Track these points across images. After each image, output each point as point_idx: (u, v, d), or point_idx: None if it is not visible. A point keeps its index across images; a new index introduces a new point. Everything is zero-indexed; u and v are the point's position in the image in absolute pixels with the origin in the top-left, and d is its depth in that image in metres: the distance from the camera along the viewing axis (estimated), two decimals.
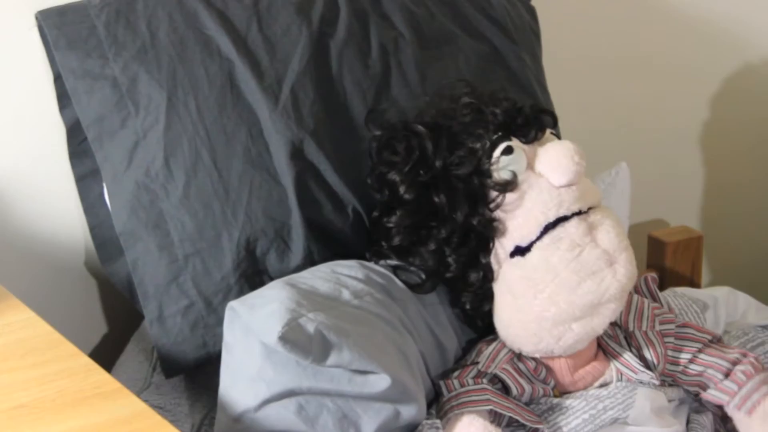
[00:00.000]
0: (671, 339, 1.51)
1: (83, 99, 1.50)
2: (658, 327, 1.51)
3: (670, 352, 1.50)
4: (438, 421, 1.39)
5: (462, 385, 1.42)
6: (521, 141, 1.44)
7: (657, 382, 1.47)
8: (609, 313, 1.41)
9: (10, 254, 1.60)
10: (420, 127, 1.46)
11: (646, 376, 1.46)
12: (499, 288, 1.45)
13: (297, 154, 1.49)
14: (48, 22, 1.52)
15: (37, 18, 1.53)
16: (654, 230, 2.10)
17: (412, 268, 1.48)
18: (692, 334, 1.52)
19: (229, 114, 1.50)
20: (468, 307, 1.48)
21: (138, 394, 1.49)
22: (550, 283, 1.39)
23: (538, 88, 1.71)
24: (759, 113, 2.34)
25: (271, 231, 1.49)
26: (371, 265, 1.49)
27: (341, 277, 1.44)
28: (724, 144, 2.33)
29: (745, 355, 1.51)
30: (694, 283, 2.03)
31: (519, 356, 1.46)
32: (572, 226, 1.41)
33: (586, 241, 1.40)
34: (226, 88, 1.51)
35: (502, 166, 1.42)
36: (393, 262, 1.49)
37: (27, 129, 1.60)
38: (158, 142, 1.48)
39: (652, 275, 1.63)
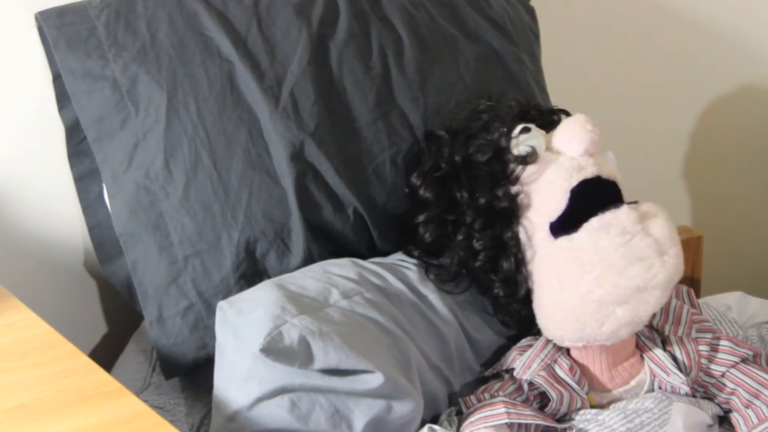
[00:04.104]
0: (706, 348, 1.48)
1: (83, 100, 1.51)
2: (694, 334, 1.48)
3: (703, 361, 1.47)
4: (438, 427, 1.39)
5: (479, 401, 1.42)
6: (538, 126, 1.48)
7: (688, 388, 1.44)
8: (654, 300, 1.39)
9: (10, 255, 1.60)
10: (440, 131, 1.51)
11: (678, 379, 1.43)
12: (542, 272, 1.43)
13: (297, 156, 1.49)
14: (48, 23, 1.52)
15: (36, 18, 1.54)
16: None
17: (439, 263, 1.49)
18: (730, 347, 1.48)
19: (229, 115, 1.50)
20: (501, 294, 1.47)
21: (137, 394, 1.49)
22: (598, 265, 1.38)
23: (536, 89, 1.71)
24: (760, 115, 2.34)
25: (270, 232, 1.49)
26: (364, 263, 1.49)
27: (332, 276, 1.44)
28: (724, 145, 2.34)
29: None
30: (694, 283, 2.03)
31: (555, 360, 1.44)
32: (623, 213, 1.41)
33: (637, 229, 1.40)
34: (226, 89, 1.51)
35: (521, 142, 1.45)
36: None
37: (26, 129, 1.60)
38: (158, 143, 1.48)
39: (689, 288, 1.60)
